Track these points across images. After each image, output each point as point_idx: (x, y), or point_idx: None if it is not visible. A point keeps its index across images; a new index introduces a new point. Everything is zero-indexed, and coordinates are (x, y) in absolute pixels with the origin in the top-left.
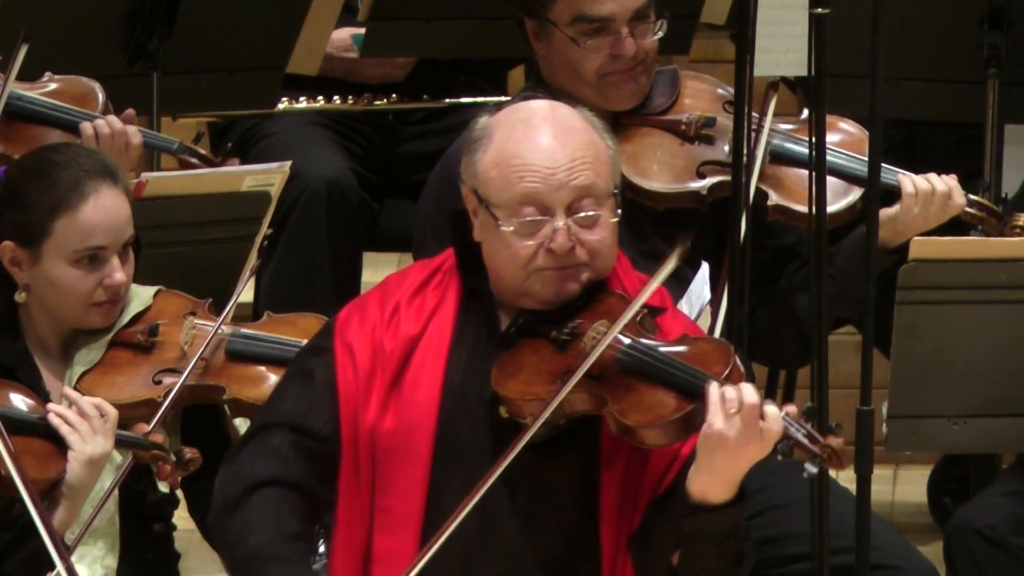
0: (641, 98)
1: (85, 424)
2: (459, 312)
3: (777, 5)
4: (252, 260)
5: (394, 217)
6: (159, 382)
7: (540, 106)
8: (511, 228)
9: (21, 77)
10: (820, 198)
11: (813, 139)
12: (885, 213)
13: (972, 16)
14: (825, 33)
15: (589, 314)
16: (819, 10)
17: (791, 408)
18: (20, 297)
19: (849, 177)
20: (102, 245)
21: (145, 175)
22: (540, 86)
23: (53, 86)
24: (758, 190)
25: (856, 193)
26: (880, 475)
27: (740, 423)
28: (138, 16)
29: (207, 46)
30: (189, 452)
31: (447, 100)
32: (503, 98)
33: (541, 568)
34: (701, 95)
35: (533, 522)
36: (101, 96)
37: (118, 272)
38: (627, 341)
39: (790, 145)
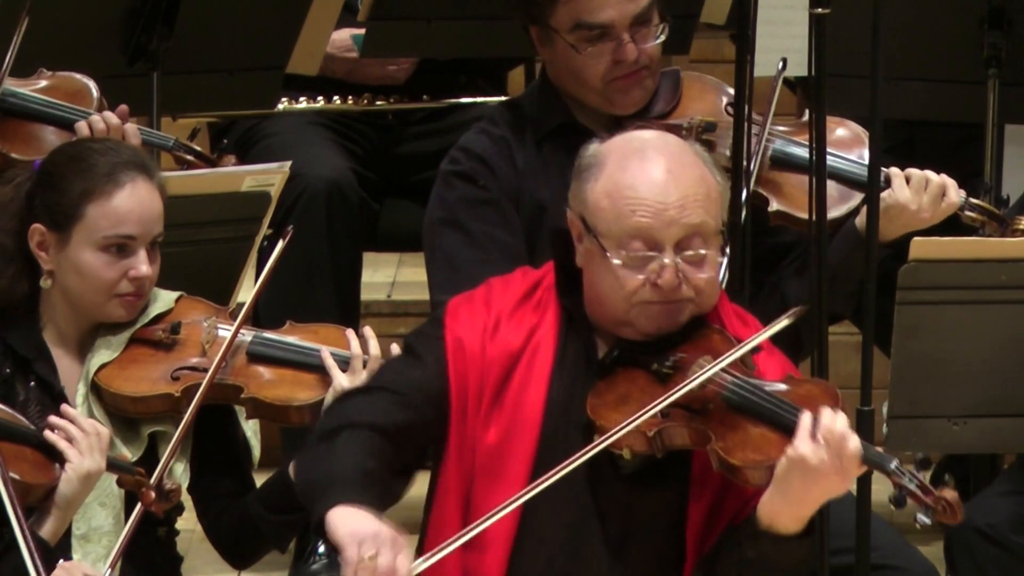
0: (646, 102)
1: (85, 440)
2: (560, 333)
3: (777, 5)
4: (251, 263)
5: (394, 217)
6: (177, 378)
7: (654, 137)
8: (619, 261)
9: (15, 73)
10: (820, 198)
11: (813, 140)
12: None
13: (972, 16)
14: (825, 33)
15: (689, 348)
16: (819, 10)
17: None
18: (45, 283)
19: (848, 181)
20: (131, 235)
21: None
22: (548, 89)
23: (47, 83)
24: (758, 195)
25: (856, 199)
26: (880, 475)
27: (824, 450)
28: (138, 16)
29: (207, 46)
30: (170, 484)
31: (447, 100)
32: (503, 98)
33: None
34: (703, 97)
35: (622, 552)
36: (95, 93)
37: (144, 265)
38: (731, 378)
39: (791, 149)
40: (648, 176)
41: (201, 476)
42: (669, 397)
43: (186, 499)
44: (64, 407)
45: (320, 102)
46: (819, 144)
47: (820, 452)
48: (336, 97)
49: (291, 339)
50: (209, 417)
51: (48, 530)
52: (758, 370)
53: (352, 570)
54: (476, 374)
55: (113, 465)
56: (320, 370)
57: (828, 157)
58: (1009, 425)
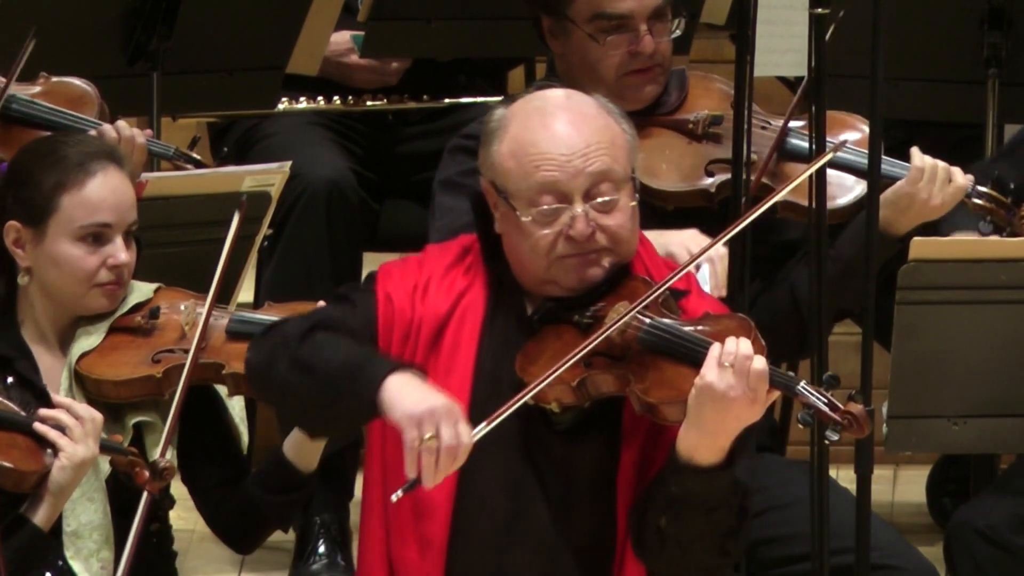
0: (656, 98)
1: (79, 428)
2: (489, 299)
3: (777, 5)
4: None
5: (394, 217)
6: (158, 361)
7: (555, 94)
8: (530, 218)
9: (18, 77)
10: (820, 198)
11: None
12: (891, 190)
13: (972, 16)
14: (825, 33)
15: (612, 298)
16: (819, 10)
17: (805, 380)
18: (23, 280)
19: (858, 172)
20: (107, 222)
21: (145, 175)
22: (556, 83)
23: (48, 88)
24: (766, 187)
25: (861, 187)
26: (880, 475)
27: (731, 375)
28: (138, 16)
29: (207, 46)
30: (164, 462)
31: (447, 100)
32: (503, 98)
33: (572, 552)
34: (709, 94)
35: (563, 506)
36: (97, 98)
37: (122, 252)
38: (648, 321)
39: (798, 142)
40: (550, 131)
41: (193, 466)
42: (587, 346)
43: (182, 497)
44: (56, 397)
45: (320, 102)
46: (819, 144)
47: (727, 377)
48: (336, 97)
49: (267, 316)
50: (196, 406)
51: (41, 517)
52: (686, 313)
53: (414, 455)
54: (402, 331)
55: (106, 447)
56: None
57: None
58: (1009, 425)
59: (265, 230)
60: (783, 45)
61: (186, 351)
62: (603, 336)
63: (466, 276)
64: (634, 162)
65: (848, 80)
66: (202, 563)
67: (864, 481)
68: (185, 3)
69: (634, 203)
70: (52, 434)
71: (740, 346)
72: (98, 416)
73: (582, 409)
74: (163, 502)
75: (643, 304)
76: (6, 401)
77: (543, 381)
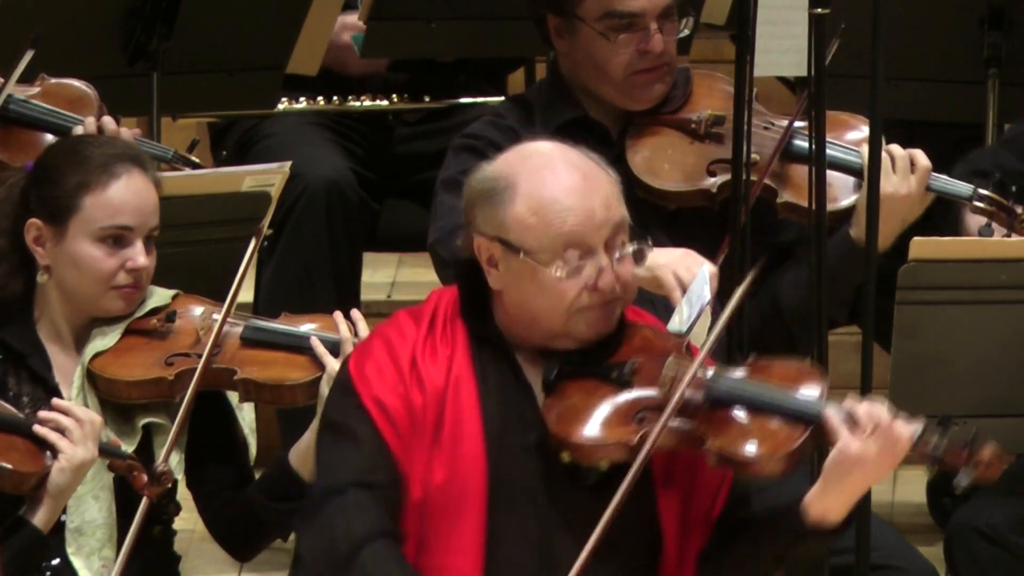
0: (663, 98)
1: (78, 429)
2: (474, 360)
3: (777, 5)
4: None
5: (394, 217)
6: (171, 363)
7: (552, 148)
8: (561, 273)
9: (18, 80)
10: (820, 199)
11: (814, 140)
12: (858, 198)
13: (972, 16)
14: (825, 33)
15: (627, 350)
16: (819, 10)
17: (918, 426)
18: (42, 278)
19: (858, 173)
20: (128, 225)
21: None
22: (559, 84)
23: (48, 90)
24: (768, 187)
25: (850, 198)
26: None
27: (876, 444)
28: (138, 16)
29: (207, 46)
30: (162, 467)
31: (447, 100)
32: (503, 98)
33: None
34: (712, 93)
35: (597, 563)
36: (96, 101)
37: (141, 256)
38: (711, 374)
39: (800, 142)
40: (567, 185)
41: (200, 470)
42: (671, 401)
43: (184, 499)
44: (56, 400)
45: (320, 102)
46: (819, 144)
47: (872, 445)
48: (336, 97)
49: (282, 325)
50: (206, 411)
51: (41, 519)
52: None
53: None
54: (406, 426)
55: (104, 451)
56: (312, 353)
57: (838, 149)
58: (1009, 425)
59: (265, 230)
60: (783, 45)
61: (200, 355)
62: (682, 391)
63: (444, 340)
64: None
65: (848, 80)
66: (202, 563)
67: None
68: (185, 3)
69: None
70: (52, 436)
71: (879, 413)
72: (97, 419)
73: (597, 469)
74: (168, 507)
75: (705, 355)
76: (4, 404)
77: (638, 462)
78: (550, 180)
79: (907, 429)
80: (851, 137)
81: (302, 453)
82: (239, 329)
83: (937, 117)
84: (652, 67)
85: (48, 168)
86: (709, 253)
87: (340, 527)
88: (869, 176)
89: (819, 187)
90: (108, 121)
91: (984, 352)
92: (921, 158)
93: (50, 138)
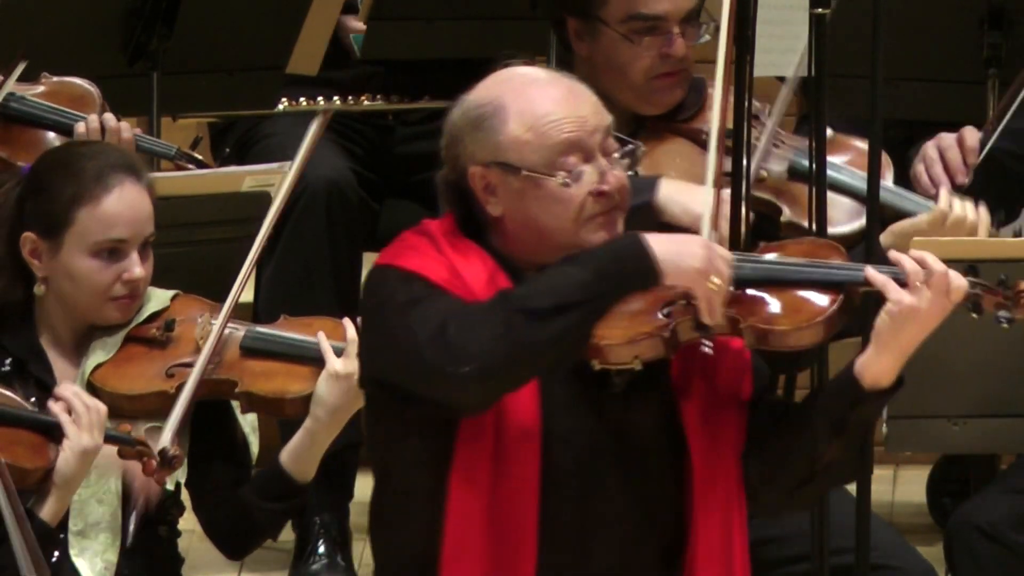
0: (679, 103)
1: (85, 416)
2: (505, 274)
3: (777, 5)
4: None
5: (394, 217)
6: (172, 375)
7: (530, 68)
8: (562, 180)
9: (19, 78)
10: (820, 199)
11: (813, 140)
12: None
13: (972, 16)
14: (825, 33)
15: None
16: (819, 10)
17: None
18: (39, 290)
19: (857, 196)
20: (123, 238)
21: None
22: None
23: (50, 88)
24: (772, 205)
25: (858, 221)
26: (880, 475)
27: (930, 291)
28: (138, 16)
29: (207, 46)
30: (173, 450)
31: (447, 101)
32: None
33: (647, 519)
34: (727, 105)
35: (631, 471)
36: (98, 99)
37: (137, 267)
38: (736, 256)
39: (806, 161)
40: (556, 97)
41: (199, 471)
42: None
43: (186, 499)
44: (62, 386)
45: (320, 102)
46: (819, 145)
47: (926, 295)
48: (336, 97)
49: (285, 332)
50: (207, 415)
51: (48, 511)
52: None
53: (708, 303)
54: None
55: (111, 438)
56: (313, 362)
57: (844, 173)
58: (1009, 425)
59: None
60: (783, 45)
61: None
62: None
63: (469, 250)
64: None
65: (848, 80)
66: (202, 563)
67: (864, 481)
68: (185, 3)
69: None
70: (63, 416)
71: (930, 262)
72: (102, 407)
73: (632, 370)
74: (171, 509)
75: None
76: (11, 395)
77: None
78: (538, 95)
79: (960, 276)
80: (860, 155)
81: (294, 453)
82: (239, 336)
83: (937, 117)
84: (672, 72)
85: (41, 181)
86: None
87: (479, 311)
88: (869, 176)
89: (819, 190)
90: (109, 118)
91: (984, 352)
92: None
93: (52, 136)
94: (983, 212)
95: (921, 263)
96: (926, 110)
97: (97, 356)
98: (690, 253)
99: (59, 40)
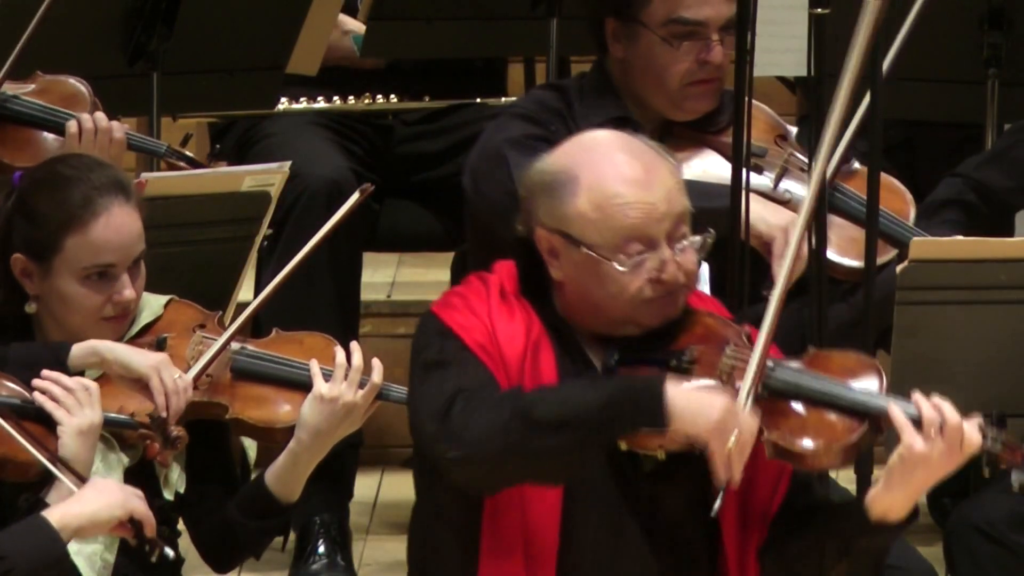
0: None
1: (70, 397)
2: (548, 334)
3: (777, 5)
4: (251, 263)
5: (394, 217)
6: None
7: (613, 138)
8: (624, 268)
9: (11, 77)
10: (820, 200)
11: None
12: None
13: (972, 16)
14: (825, 33)
15: (688, 337)
16: (819, 10)
17: (978, 419)
18: (31, 308)
19: (887, 237)
20: (112, 263)
21: (145, 175)
22: (605, 85)
23: (41, 87)
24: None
25: (887, 255)
26: (880, 475)
27: (943, 443)
28: (138, 16)
29: (207, 46)
30: (176, 430)
31: (447, 100)
32: (503, 99)
33: None
34: (756, 123)
35: (656, 548)
36: (89, 97)
37: (127, 289)
38: (770, 364)
39: (840, 196)
40: (629, 178)
41: (192, 484)
42: (744, 395)
43: None
44: (44, 372)
45: (320, 102)
46: (818, 145)
47: (938, 446)
48: (336, 97)
49: (277, 355)
50: (201, 431)
51: (58, 496)
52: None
53: (725, 461)
54: (502, 378)
55: (112, 422)
56: (306, 387)
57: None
58: (1009, 425)
59: (265, 230)
60: (783, 45)
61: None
62: (750, 381)
63: (513, 312)
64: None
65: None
66: (202, 563)
67: (864, 481)
68: (185, 3)
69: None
70: (48, 404)
71: (947, 414)
72: (92, 385)
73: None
74: (172, 512)
75: (759, 352)
76: (10, 384)
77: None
78: (611, 173)
79: (975, 432)
80: (901, 211)
81: (278, 474)
82: (231, 357)
83: (937, 117)
84: (708, 79)
85: (28, 204)
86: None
87: (485, 401)
88: (869, 177)
89: (820, 191)
90: (101, 117)
91: (984, 352)
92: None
93: (44, 135)
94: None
95: (939, 410)
96: (926, 110)
97: (91, 372)
98: (707, 410)
99: (59, 40)
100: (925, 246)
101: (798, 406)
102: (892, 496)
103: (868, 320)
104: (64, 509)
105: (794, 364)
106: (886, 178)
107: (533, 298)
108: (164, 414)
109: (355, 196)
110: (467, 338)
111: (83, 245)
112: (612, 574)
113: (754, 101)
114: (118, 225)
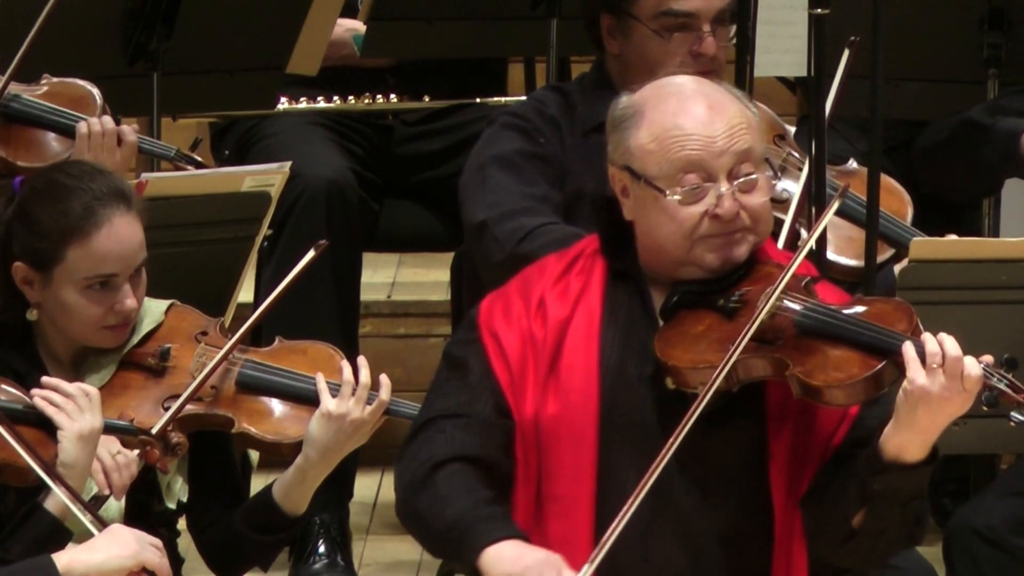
0: None
1: (70, 403)
2: (606, 293)
3: (777, 5)
4: (251, 263)
5: (394, 217)
6: (168, 408)
7: (687, 80)
8: (677, 197)
9: (19, 79)
10: (820, 201)
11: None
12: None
13: (972, 16)
14: (825, 33)
15: (748, 282)
16: (819, 10)
17: (988, 358)
18: (32, 315)
19: (884, 237)
20: (113, 273)
21: (145, 175)
22: (605, 83)
23: (50, 89)
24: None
25: (883, 255)
26: None
27: (944, 377)
28: (138, 16)
29: (207, 46)
30: (176, 437)
31: (447, 100)
32: (503, 98)
33: (717, 539)
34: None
35: (706, 494)
36: (99, 100)
37: (129, 298)
38: (800, 306)
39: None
40: (691, 112)
41: (196, 492)
42: (748, 330)
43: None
44: (43, 379)
45: (320, 102)
46: (819, 146)
47: (939, 379)
48: (336, 97)
49: (281, 367)
50: (204, 438)
51: (56, 504)
52: (820, 298)
53: None
54: (519, 359)
55: (112, 428)
56: (311, 401)
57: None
58: (1009, 425)
59: (265, 230)
60: (783, 45)
61: (197, 399)
62: (761, 318)
63: (579, 278)
64: (765, 143)
65: (848, 80)
66: (203, 566)
67: None
68: (185, 3)
69: (774, 181)
70: (49, 409)
71: (947, 346)
72: (92, 390)
73: (726, 393)
74: (172, 515)
75: (783, 284)
76: (11, 389)
77: (714, 382)
78: (674, 107)
79: (975, 365)
80: (899, 211)
81: (286, 488)
82: (236, 369)
83: (937, 117)
84: (703, 71)
85: (29, 213)
86: None
87: (423, 453)
88: (869, 177)
89: (819, 192)
90: (108, 121)
91: (984, 352)
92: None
93: (53, 136)
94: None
95: (941, 344)
96: (926, 110)
97: (92, 381)
98: (513, 561)
99: (59, 40)
100: (925, 246)
101: (824, 343)
102: (901, 435)
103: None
104: (73, 555)
105: (832, 305)
106: (884, 179)
107: (612, 253)
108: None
109: (311, 254)
110: (483, 327)
111: (85, 256)
112: (649, 521)
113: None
114: (120, 235)
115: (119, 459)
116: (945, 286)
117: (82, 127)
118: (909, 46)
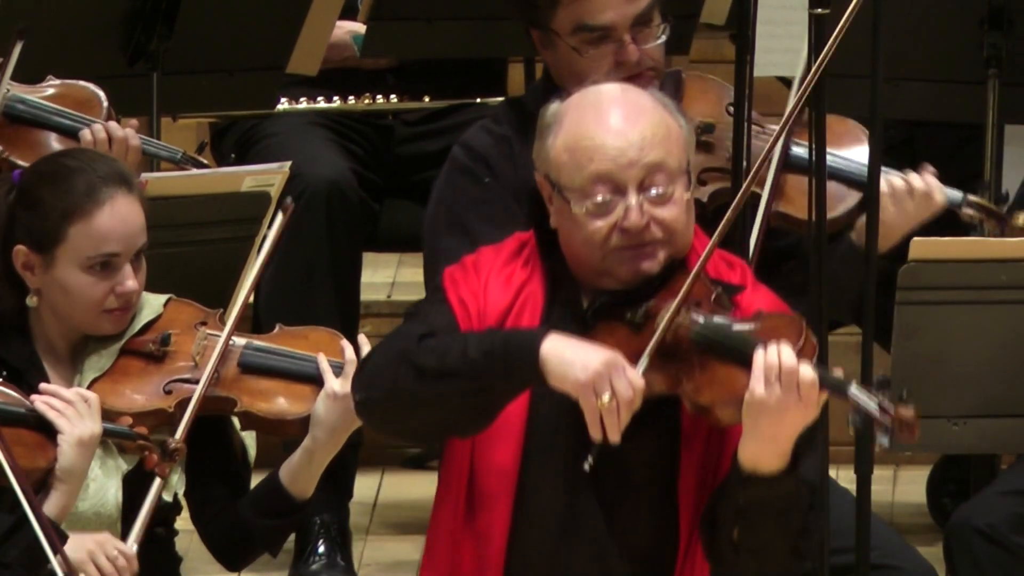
0: None
1: (71, 408)
2: (547, 292)
3: (777, 5)
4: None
5: (394, 217)
6: (170, 392)
7: (610, 88)
8: (584, 210)
9: (24, 80)
10: (820, 201)
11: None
12: (862, 220)
13: (972, 16)
14: (825, 33)
15: (664, 294)
16: (819, 10)
17: (854, 381)
18: (32, 301)
19: (846, 180)
20: (115, 252)
21: (145, 175)
22: (552, 89)
23: (56, 90)
24: (757, 196)
25: (854, 197)
26: (880, 475)
27: (778, 388)
28: (138, 16)
29: (207, 46)
30: (174, 443)
31: (447, 100)
32: (503, 98)
33: (628, 553)
34: (705, 97)
35: (616, 506)
36: (104, 102)
37: (130, 280)
38: (701, 320)
39: (796, 150)
40: (604, 124)
41: (196, 484)
42: (652, 347)
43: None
44: (43, 385)
45: (320, 102)
46: (819, 146)
47: (776, 390)
48: (336, 97)
49: (284, 348)
50: (204, 427)
51: (56, 505)
52: (739, 309)
53: (596, 419)
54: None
55: (111, 432)
56: (313, 380)
57: (837, 159)
58: (1009, 425)
59: (265, 230)
60: (783, 45)
61: (198, 381)
62: (656, 338)
63: (524, 269)
64: (690, 155)
65: (848, 80)
66: (202, 563)
67: (864, 481)
68: (185, 3)
69: (689, 196)
70: (50, 413)
71: (783, 357)
72: (92, 396)
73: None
74: (170, 512)
75: (683, 301)
76: (8, 391)
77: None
78: (591, 117)
79: (809, 374)
80: (849, 146)
81: (293, 471)
82: (238, 352)
83: (937, 117)
84: (633, 75)
85: (31, 195)
86: None
87: (392, 345)
88: (869, 178)
89: (819, 192)
90: (114, 127)
91: (984, 352)
92: (937, 194)
93: (56, 138)
94: (929, 178)
95: (777, 356)
96: (926, 110)
97: (92, 371)
98: (582, 365)
99: (59, 40)
100: (925, 246)
101: (716, 361)
102: (751, 445)
103: (868, 316)
104: None
105: (721, 321)
106: (830, 117)
107: (545, 253)
108: None
109: (279, 217)
110: (451, 293)
111: (87, 234)
112: (562, 529)
113: (699, 73)
114: (122, 215)
115: (119, 563)
116: (945, 286)
117: (86, 135)
118: (909, 46)
